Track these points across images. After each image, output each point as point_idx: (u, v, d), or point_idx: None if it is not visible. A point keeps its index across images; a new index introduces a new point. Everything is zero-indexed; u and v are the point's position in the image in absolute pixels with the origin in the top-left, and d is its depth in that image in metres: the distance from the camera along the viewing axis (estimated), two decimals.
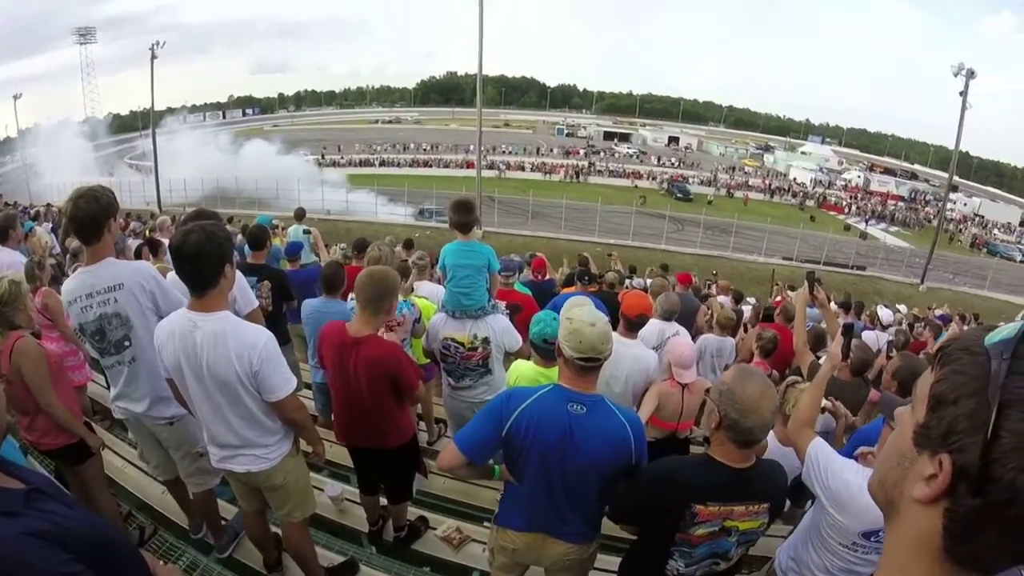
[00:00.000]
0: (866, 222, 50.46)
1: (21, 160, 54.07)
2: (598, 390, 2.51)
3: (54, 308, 4.77)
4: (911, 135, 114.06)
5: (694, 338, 5.85)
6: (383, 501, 3.97)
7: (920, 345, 8.95)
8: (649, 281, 8.82)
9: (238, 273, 3.16)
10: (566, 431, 2.33)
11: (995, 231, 55.22)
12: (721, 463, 2.20)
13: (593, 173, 60.22)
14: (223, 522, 3.80)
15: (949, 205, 45.62)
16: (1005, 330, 0.76)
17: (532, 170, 59.56)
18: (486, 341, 4.22)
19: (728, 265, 28.22)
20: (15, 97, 54.97)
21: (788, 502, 3.20)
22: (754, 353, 5.58)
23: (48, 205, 20.79)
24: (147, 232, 10.48)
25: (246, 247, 5.85)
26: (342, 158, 61.75)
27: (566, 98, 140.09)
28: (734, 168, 71.60)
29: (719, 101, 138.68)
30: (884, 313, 12.92)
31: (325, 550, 3.76)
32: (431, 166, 59.70)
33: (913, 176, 76.82)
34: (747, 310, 10.68)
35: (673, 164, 70.35)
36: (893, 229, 50.94)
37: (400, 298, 3.99)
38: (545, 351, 3.36)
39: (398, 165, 59.56)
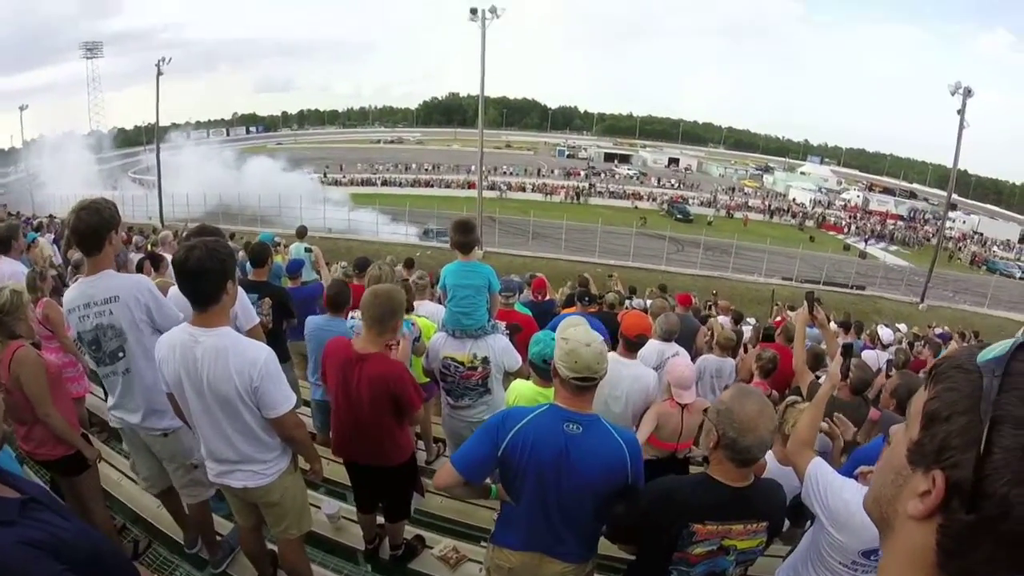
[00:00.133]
0: (865, 241, 50.59)
1: (25, 171, 54.53)
2: (597, 410, 2.51)
3: (55, 319, 4.77)
4: (909, 154, 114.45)
5: (694, 359, 5.85)
6: (380, 519, 3.96)
7: (920, 364, 8.93)
8: (649, 302, 8.83)
9: (240, 289, 3.18)
10: (562, 451, 2.34)
11: (994, 248, 55.38)
12: (719, 482, 2.20)
13: (594, 194, 60.38)
14: (218, 537, 3.79)
15: (948, 223, 45.67)
16: (997, 348, 0.77)
17: (533, 191, 59.81)
18: (486, 361, 4.24)
19: (728, 285, 28.20)
20: (21, 108, 55.34)
21: (788, 522, 3.19)
22: (754, 373, 5.58)
23: (51, 216, 20.87)
24: (149, 246, 10.48)
25: (248, 264, 5.87)
26: (344, 177, 61.89)
27: (567, 120, 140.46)
28: (734, 189, 71.80)
29: (718, 122, 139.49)
30: (884, 332, 12.94)
31: (321, 568, 3.76)
32: (432, 186, 59.84)
33: (912, 195, 76.89)
34: (747, 330, 10.69)
35: (673, 185, 70.37)
36: (892, 248, 51.07)
37: None
38: (544, 371, 3.36)
39: (400, 185, 59.60)
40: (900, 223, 62.10)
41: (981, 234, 59.54)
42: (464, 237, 4.28)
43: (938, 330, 16.90)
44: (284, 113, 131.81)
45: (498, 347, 4.31)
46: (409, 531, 4.04)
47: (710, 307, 13.46)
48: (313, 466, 3.31)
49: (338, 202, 42.09)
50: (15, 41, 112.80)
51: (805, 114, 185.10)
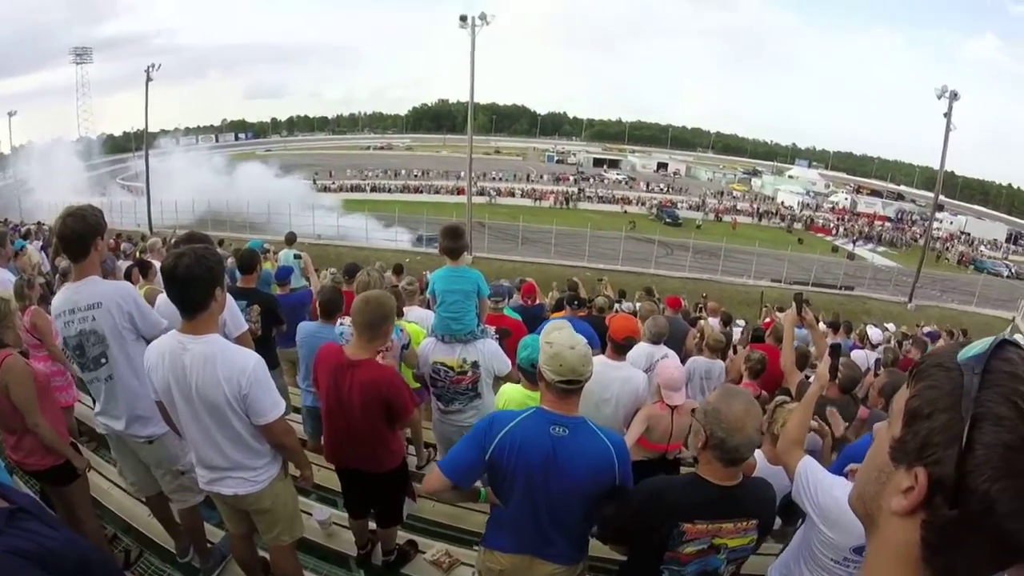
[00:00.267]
0: (853, 243, 50.83)
1: (13, 177, 54.08)
2: (587, 413, 2.52)
3: (42, 327, 4.75)
4: (897, 157, 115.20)
5: (683, 361, 5.86)
6: (372, 525, 3.95)
7: (908, 362, 8.95)
8: (638, 305, 8.85)
9: (228, 296, 3.17)
10: (549, 453, 2.35)
11: (982, 248, 55.79)
12: (708, 481, 2.22)
13: (583, 199, 60.36)
14: (209, 545, 3.77)
15: (935, 224, 46.00)
16: (977, 346, 0.78)
17: (522, 196, 59.72)
18: (475, 365, 4.25)
19: (717, 288, 28.24)
20: (10, 114, 55.04)
21: (779, 520, 3.20)
22: (743, 374, 5.60)
23: (39, 223, 20.68)
24: (137, 253, 10.44)
25: (236, 271, 5.85)
26: (333, 183, 61.75)
27: (556, 126, 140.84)
28: (722, 193, 71.94)
29: (707, 127, 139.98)
30: (873, 332, 12.99)
31: (313, 574, 3.75)
32: (422, 192, 59.77)
33: (899, 197, 77.43)
34: (737, 332, 10.72)
35: (662, 190, 70.67)
36: (880, 249, 51.36)
37: None
38: (532, 375, 3.36)
39: (389, 191, 59.53)
40: (888, 224, 62.54)
41: (968, 234, 60.02)
42: (453, 243, 4.28)
43: (927, 329, 16.98)
44: (274, 119, 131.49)
45: (488, 351, 4.32)
46: (401, 536, 4.03)
47: (700, 309, 13.48)
48: (303, 472, 3.31)
49: (328, 208, 42.01)
50: (4, 46, 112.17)
51: (793, 118, 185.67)
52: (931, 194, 40.63)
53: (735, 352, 7.93)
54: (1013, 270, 45.90)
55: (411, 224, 38.31)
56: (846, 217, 63.90)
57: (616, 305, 9.29)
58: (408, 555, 3.96)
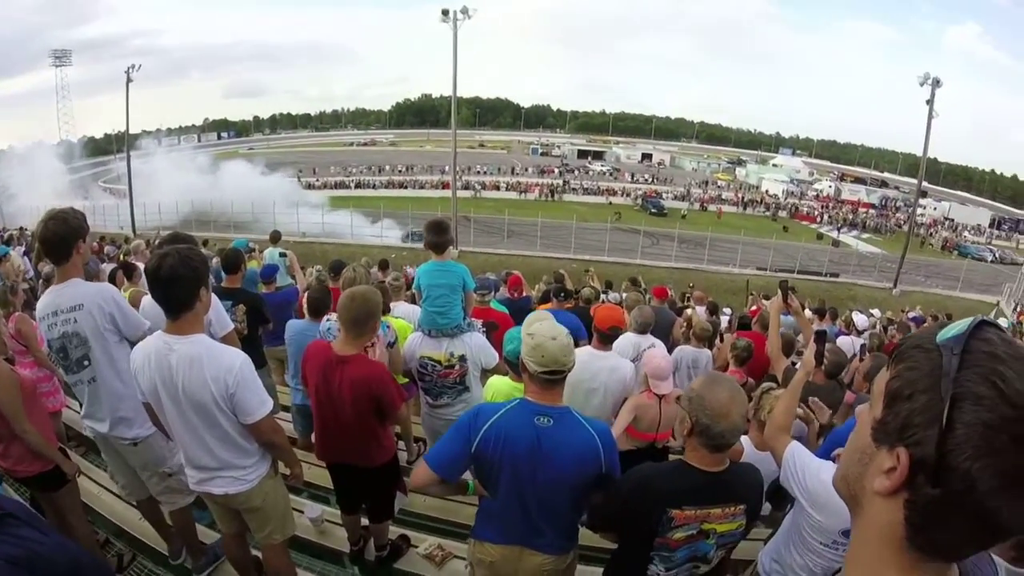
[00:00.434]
0: (838, 230, 51.21)
1: None
2: (576, 404, 2.53)
3: (27, 333, 4.71)
4: (880, 144, 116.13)
5: (670, 350, 5.88)
6: (364, 521, 3.95)
7: (893, 347, 9.06)
8: (624, 295, 8.87)
9: (213, 296, 3.16)
10: (534, 444, 2.36)
11: (965, 233, 56.39)
12: (695, 467, 2.24)
13: (568, 191, 60.49)
14: (203, 545, 3.76)
15: (919, 210, 46.41)
16: (956, 327, 0.79)
17: (507, 189, 59.79)
18: (463, 359, 4.26)
19: (703, 277, 28.33)
20: None
21: (769, 506, 3.23)
22: (729, 362, 5.63)
23: (21, 229, 20.51)
24: (121, 256, 10.36)
25: (221, 271, 5.82)
26: (317, 180, 61.43)
27: (540, 118, 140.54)
28: (707, 182, 72.26)
29: (691, 117, 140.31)
30: (859, 319, 13.07)
31: (307, 572, 3.75)
32: (406, 187, 59.64)
33: (883, 184, 77.97)
34: (724, 321, 10.76)
35: (647, 180, 70.70)
36: (865, 236, 51.72)
37: None
38: (518, 367, 3.37)
39: (374, 187, 59.23)
40: (872, 211, 62.97)
41: (952, 220, 60.55)
42: (437, 237, 4.29)
43: (912, 314, 17.11)
44: (256, 118, 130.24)
45: (475, 345, 4.33)
46: (394, 531, 4.04)
47: (688, 299, 13.52)
48: (293, 470, 3.31)
49: (313, 206, 41.81)
50: None
51: (776, 107, 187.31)
52: (915, 181, 40.81)
53: (721, 340, 7.96)
54: (997, 255, 46.43)
55: (397, 220, 38.22)
56: (830, 204, 64.33)
57: (603, 296, 9.32)
58: (401, 550, 3.97)
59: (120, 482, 3.74)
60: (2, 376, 3.20)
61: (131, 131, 42.04)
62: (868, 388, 3.95)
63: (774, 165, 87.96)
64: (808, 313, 8.61)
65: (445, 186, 50.63)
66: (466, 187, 54.45)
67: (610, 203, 55.28)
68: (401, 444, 5.24)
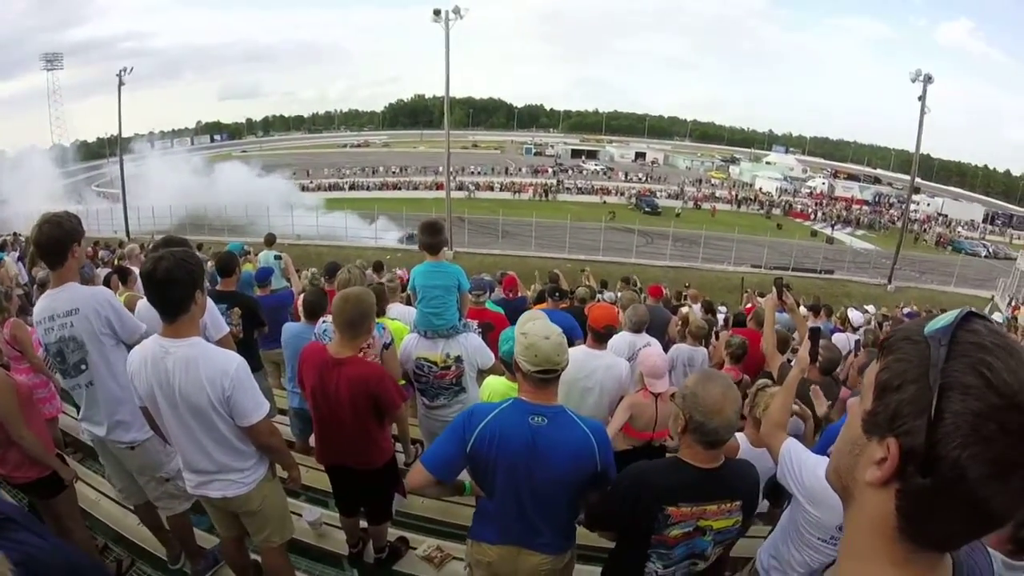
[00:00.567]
0: (832, 227, 51.25)
1: None
2: (572, 403, 2.54)
3: (23, 339, 4.70)
4: (873, 141, 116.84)
5: (666, 349, 5.89)
6: (363, 523, 3.95)
7: (883, 339, 9.09)
8: (619, 294, 8.88)
9: (208, 300, 3.16)
10: (529, 443, 2.36)
11: (959, 229, 56.59)
12: (690, 464, 2.25)
13: (562, 191, 60.49)
14: (201, 549, 3.76)
15: (912, 206, 46.56)
16: (944, 318, 0.81)
17: (501, 190, 59.72)
18: (458, 360, 4.26)
19: (698, 275, 28.41)
20: None
21: (767, 503, 3.24)
22: (724, 360, 5.65)
23: (15, 234, 20.37)
24: (116, 260, 10.33)
25: (216, 275, 5.81)
26: (311, 182, 61.32)
27: (533, 118, 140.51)
28: (701, 181, 72.32)
29: (684, 116, 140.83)
30: (854, 315, 13.10)
31: (305, 575, 3.74)
32: (400, 188, 59.54)
33: (876, 180, 78.06)
34: (721, 319, 10.77)
35: (640, 179, 70.83)
36: (859, 232, 51.84)
37: None
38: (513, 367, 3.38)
39: (367, 189, 59.08)
40: (865, 208, 63.17)
41: (946, 215, 60.77)
42: (432, 238, 4.29)
43: (906, 309, 17.19)
44: (249, 120, 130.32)
45: (471, 346, 4.33)
46: (392, 533, 4.03)
47: (685, 298, 13.54)
48: (290, 473, 3.31)
49: (308, 208, 41.73)
50: None
51: (769, 105, 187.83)
52: (908, 177, 40.96)
53: (717, 338, 7.98)
54: (991, 250, 46.66)
55: (392, 222, 38.18)
56: (824, 202, 64.46)
57: (598, 295, 9.34)
58: (400, 551, 3.97)
59: (118, 486, 3.75)
60: None
61: (124, 134, 41.87)
62: (861, 383, 3.97)
63: (767, 163, 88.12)
64: (803, 310, 8.63)
65: (439, 187, 50.48)
66: (460, 188, 54.49)
67: (604, 202, 55.23)
68: (399, 446, 5.24)
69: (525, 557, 2.56)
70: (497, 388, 3.72)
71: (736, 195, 63.43)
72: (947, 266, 35.99)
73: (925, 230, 54.00)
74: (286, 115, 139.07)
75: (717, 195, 63.10)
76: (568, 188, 61.77)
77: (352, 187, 59.86)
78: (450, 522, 4.37)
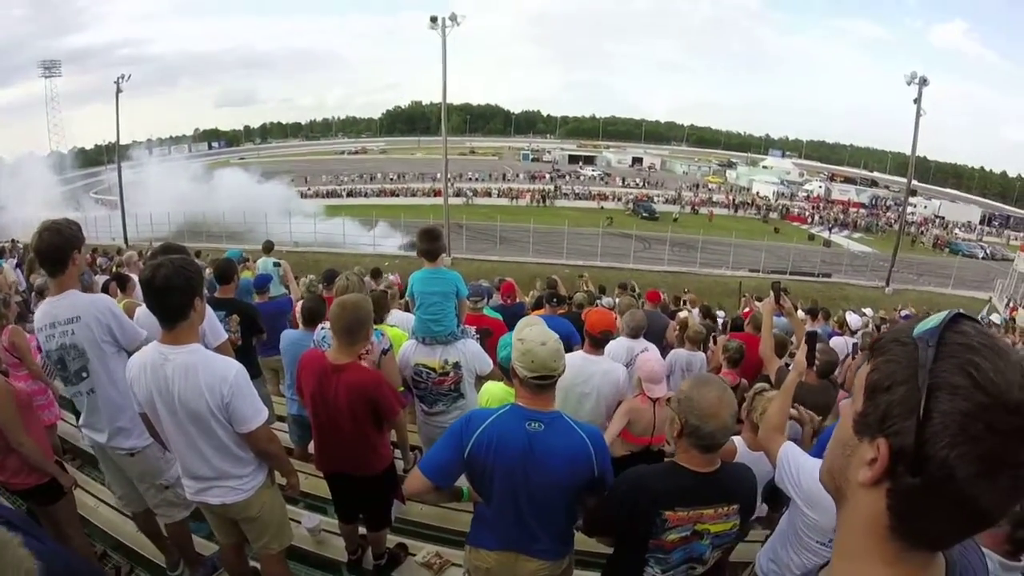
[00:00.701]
0: (829, 230, 51.38)
1: None
2: (569, 408, 2.55)
3: (21, 346, 4.71)
4: (869, 144, 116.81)
5: (664, 354, 5.90)
6: (362, 530, 3.95)
7: (873, 342, 9.09)
8: (617, 300, 8.89)
9: (207, 307, 3.17)
10: (526, 448, 2.37)
11: (956, 231, 56.75)
12: (687, 468, 2.26)
13: (559, 196, 60.48)
14: (200, 556, 3.76)
15: (909, 209, 46.71)
16: (932, 320, 0.82)
17: (499, 196, 59.67)
18: (457, 366, 4.27)
19: (696, 280, 28.44)
20: None
21: (766, 507, 3.24)
22: (722, 364, 5.66)
23: (13, 241, 20.36)
24: (114, 268, 10.33)
25: (215, 282, 5.81)
26: (309, 189, 61.25)
27: (530, 124, 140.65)
28: (698, 185, 72.51)
29: (680, 121, 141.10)
30: (852, 319, 13.09)
31: None
32: (398, 195, 59.41)
33: (873, 183, 78.30)
34: (718, 323, 10.78)
35: (638, 184, 70.74)
36: (856, 235, 51.95)
37: None
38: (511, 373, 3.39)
39: (365, 195, 59.04)
40: (862, 211, 63.24)
41: (943, 218, 60.98)
42: (429, 245, 4.30)
43: (904, 312, 17.20)
44: (246, 127, 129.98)
45: (469, 352, 4.34)
46: (391, 540, 4.04)
47: (684, 304, 13.55)
48: (289, 480, 3.31)
49: (306, 215, 41.71)
50: None
51: (766, 109, 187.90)
52: (904, 179, 41.13)
53: (714, 342, 7.99)
54: (988, 251, 46.84)
55: (390, 229, 38.18)
56: (821, 205, 64.62)
57: (597, 301, 9.35)
58: (399, 558, 3.96)
59: (117, 493, 3.75)
60: None
61: (122, 142, 41.84)
62: None
63: (764, 167, 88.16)
64: (801, 314, 8.65)
65: (437, 193, 50.49)
66: (458, 194, 54.51)
67: (602, 208, 55.23)
68: (398, 452, 5.24)
69: (523, 563, 2.56)
70: (495, 394, 3.72)
71: (733, 199, 63.56)
72: (945, 268, 36.10)
73: (922, 232, 54.16)
74: (284, 122, 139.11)
75: (714, 199, 63.20)
76: (566, 194, 61.80)
77: (350, 194, 59.79)
78: (449, 528, 4.37)
